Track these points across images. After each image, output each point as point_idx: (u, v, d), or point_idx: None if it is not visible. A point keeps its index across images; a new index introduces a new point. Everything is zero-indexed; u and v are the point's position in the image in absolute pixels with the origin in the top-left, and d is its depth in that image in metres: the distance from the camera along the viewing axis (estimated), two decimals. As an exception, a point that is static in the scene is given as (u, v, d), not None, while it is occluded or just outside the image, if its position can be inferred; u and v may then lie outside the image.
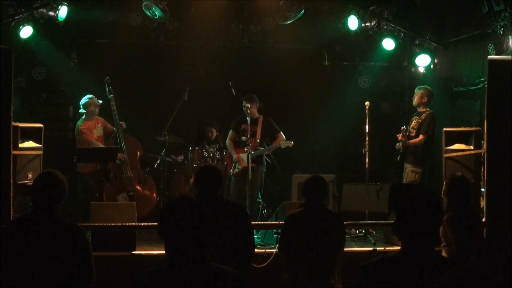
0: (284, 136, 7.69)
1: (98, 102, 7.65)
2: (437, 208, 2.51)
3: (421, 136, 7.19)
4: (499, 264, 4.76)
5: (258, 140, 7.63)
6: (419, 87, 7.50)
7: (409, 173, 7.20)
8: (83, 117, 7.66)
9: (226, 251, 3.89)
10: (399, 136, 7.20)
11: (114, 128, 7.82)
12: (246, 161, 7.31)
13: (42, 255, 3.30)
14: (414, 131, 7.30)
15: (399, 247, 2.56)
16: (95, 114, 7.68)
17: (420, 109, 7.38)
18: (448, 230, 4.40)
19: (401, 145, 7.30)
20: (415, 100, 7.41)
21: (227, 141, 7.91)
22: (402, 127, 7.23)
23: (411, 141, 7.22)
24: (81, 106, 7.63)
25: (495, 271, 4.56)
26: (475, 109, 8.11)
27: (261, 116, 7.74)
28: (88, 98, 7.61)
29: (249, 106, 7.49)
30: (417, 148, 7.22)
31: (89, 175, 7.43)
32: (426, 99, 7.34)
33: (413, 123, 7.38)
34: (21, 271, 3.31)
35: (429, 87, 7.49)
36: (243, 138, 7.60)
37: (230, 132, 7.89)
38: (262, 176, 7.72)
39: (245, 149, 7.46)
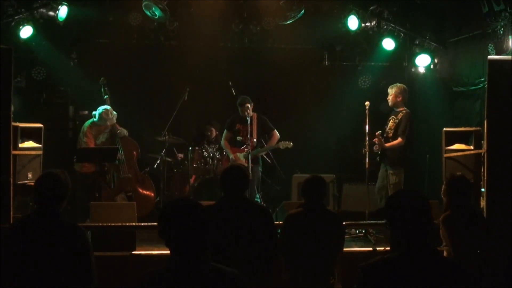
0: (278, 134, 7.69)
1: (113, 113, 7.57)
2: (423, 206, 2.53)
3: (399, 139, 7.04)
4: (499, 264, 4.75)
5: (255, 140, 7.62)
6: (391, 86, 7.29)
7: (390, 175, 7.08)
8: (94, 119, 7.63)
9: (248, 252, 3.89)
10: (375, 140, 7.07)
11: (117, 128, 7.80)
12: (243, 160, 7.31)
13: (44, 256, 3.30)
14: (391, 131, 7.16)
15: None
16: (107, 122, 7.62)
17: (397, 108, 7.23)
18: (443, 230, 4.40)
19: (378, 147, 7.19)
20: (390, 101, 7.21)
21: (222, 141, 7.91)
22: (377, 132, 7.08)
23: (387, 144, 7.08)
24: (96, 115, 7.53)
25: (495, 271, 4.55)
26: (475, 109, 8.09)
27: (255, 113, 7.71)
28: (106, 108, 7.51)
29: (247, 106, 7.47)
30: (394, 150, 7.09)
31: (87, 175, 7.41)
32: (400, 98, 7.17)
33: (390, 123, 7.22)
34: (23, 272, 3.30)
35: (402, 84, 7.30)
36: (239, 138, 7.59)
37: (225, 132, 7.88)
38: (259, 175, 7.73)
39: (244, 148, 7.46)
